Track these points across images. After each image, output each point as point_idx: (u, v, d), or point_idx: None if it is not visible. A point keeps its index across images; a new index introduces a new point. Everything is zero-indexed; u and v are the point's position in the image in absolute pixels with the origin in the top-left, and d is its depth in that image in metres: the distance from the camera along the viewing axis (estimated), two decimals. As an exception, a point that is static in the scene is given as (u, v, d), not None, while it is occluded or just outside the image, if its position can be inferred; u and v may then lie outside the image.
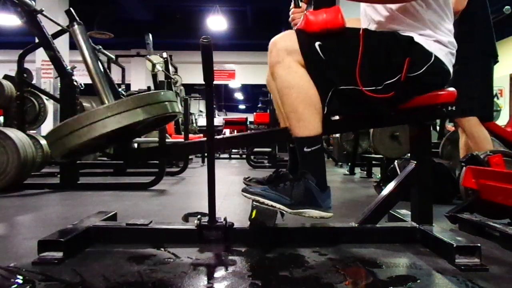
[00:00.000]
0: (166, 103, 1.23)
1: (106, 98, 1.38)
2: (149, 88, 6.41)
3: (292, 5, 1.48)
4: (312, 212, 1.20)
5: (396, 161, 2.77)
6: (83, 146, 1.16)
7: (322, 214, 1.21)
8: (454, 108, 2.25)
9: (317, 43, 1.22)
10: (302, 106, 1.21)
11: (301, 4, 1.45)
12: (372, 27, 1.36)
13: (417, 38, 1.24)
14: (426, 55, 1.24)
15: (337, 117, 1.40)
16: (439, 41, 1.26)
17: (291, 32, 1.26)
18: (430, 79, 1.27)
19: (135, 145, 7.07)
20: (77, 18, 1.52)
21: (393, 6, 1.28)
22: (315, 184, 1.21)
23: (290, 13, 1.49)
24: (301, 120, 1.22)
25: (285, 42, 1.23)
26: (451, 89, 1.35)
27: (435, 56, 1.24)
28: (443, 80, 1.32)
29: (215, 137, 1.33)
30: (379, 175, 3.36)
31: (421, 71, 1.23)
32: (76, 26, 1.45)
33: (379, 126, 1.86)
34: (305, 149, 1.22)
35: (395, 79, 1.22)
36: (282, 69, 1.22)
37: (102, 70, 1.46)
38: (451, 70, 1.30)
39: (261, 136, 1.64)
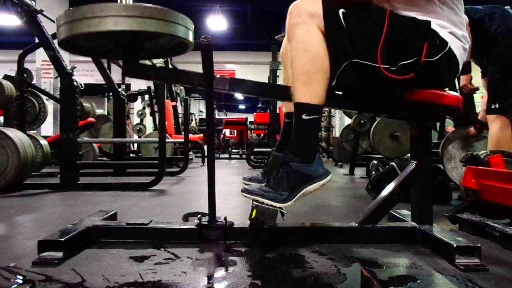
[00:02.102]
0: (182, 27, 1.18)
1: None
2: (149, 88, 6.43)
3: None
4: (310, 188, 1.21)
5: (374, 161, 2.79)
6: (88, 37, 1.13)
7: (320, 183, 1.22)
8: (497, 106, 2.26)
9: (341, 11, 1.21)
10: (313, 71, 1.20)
11: None
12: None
13: (434, 26, 1.25)
14: (442, 43, 1.24)
15: (339, 93, 1.38)
16: (453, 33, 1.27)
17: None
18: (442, 69, 1.27)
19: (135, 145, 7.07)
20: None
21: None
22: (300, 162, 1.21)
23: None
24: (309, 84, 1.21)
25: (308, 5, 1.22)
26: (457, 94, 1.35)
27: (449, 47, 1.25)
28: (452, 73, 1.32)
29: (218, 76, 1.30)
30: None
31: (436, 58, 1.23)
32: None
33: (380, 113, 1.85)
34: (304, 116, 1.21)
35: (411, 61, 1.22)
36: (301, 30, 1.21)
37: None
38: (460, 65, 1.31)
39: (263, 88, 1.54)
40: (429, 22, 1.24)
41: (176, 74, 1.43)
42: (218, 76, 1.30)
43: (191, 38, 1.21)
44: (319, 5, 1.21)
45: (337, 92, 1.33)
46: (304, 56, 1.21)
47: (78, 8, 1.10)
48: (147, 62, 6.10)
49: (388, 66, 1.22)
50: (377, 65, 1.21)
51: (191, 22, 1.21)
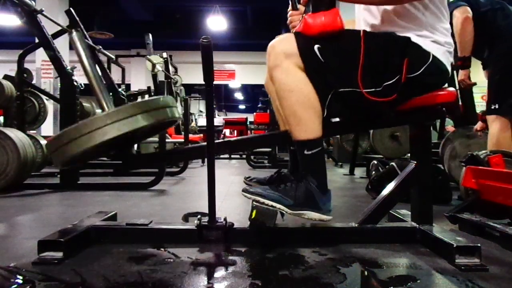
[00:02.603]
0: (166, 109, 1.23)
1: (106, 104, 1.38)
2: (149, 89, 6.42)
3: (290, 7, 1.46)
4: (311, 214, 1.21)
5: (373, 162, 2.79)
6: (83, 153, 1.16)
7: (322, 217, 1.21)
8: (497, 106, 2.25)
9: (316, 46, 1.21)
10: (301, 110, 1.21)
11: (299, 6, 1.44)
12: (367, 30, 1.36)
13: (414, 39, 1.24)
14: (424, 55, 1.24)
15: (337, 119, 1.40)
16: (436, 41, 1.26)
17: (289, 35, 1.25)
18: (429, 79, 1.27)
19: (135, 145, 7.07)
20: (77, 19, 1.51)
21: (389, 8, 1.28)
22: (316, 186, 1.21)
23: (288, 15, 1.48)
24: (301, 123, 1.21)
25: (283, 45, 1.23)
26: (451, 89, 1.35)
27: (433, 56, 1.24)
28: (443, 79, 1.32)
29: (215, 141, 1.33)
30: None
31: (420, 71, 1.23)
32: (74, 33, 1.45)
33: (379, 127, 1.87)
34: (306, 152, 1.22)
35: (394, 80, 1.22)
36: (280, 72, 1.22)
37: (101, 74, 1.47)
38: (449, 69, 1.30)
39: (261, 140, 1.62)
40: (408, 38, 1.23)
41: (170, 154, 1.52)
42: (217, 141, 1.35)
43: (177, 114, 1.27)
44: (294, 44, 1.21)
45: (332, 120, 1.35)
46: (290, 97, 1.21)
47: (64, 132, 1.14)
48: (148, 62, 6.09)
49: (373, 89, 1.22)
50: (360, 91, 1.22)
51: (172, 99, 1.27)
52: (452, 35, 1.47)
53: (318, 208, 1.21)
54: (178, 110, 1.29)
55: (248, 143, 1.39)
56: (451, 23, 2.24)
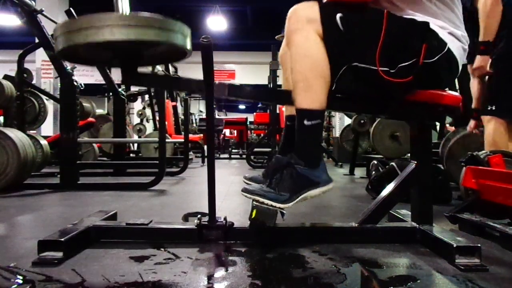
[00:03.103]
0: (180, 35, 1.18)
1: (121, 7, 1.36)
2: (149, 88, 6.41)
3: None
4: (311, 192, 1.21)
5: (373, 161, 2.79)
6: (86, 48, 1.14)
7: (322, 189, 1.22)
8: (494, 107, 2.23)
9: (338, 15, 1.21)
10: (313, 77, 1.20)
11: None
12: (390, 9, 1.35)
13: (433, 26, 1.24)
14: (441, 44, 1.24)
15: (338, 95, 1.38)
16: (452, 33, 1.27)
17: (312, 2, 1.24)
18: (441, 70, 1.26)
19: (135, 145, 7.07)
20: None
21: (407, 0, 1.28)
22: (305, 165, 1.21)
23: None
24: (309, 90, 1.21)
25: (306, 10, 1.22)
26: (457, 94, 1.35)
27: (448, 47, 1.25)
28: (453, 73, 1.32)
29: (220, 82, 1.30)
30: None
31: (435, 58, 1.23)
32: None
33: (380, 114, 1.86)
34: (306, 122, 1.21)
35: (410, 62, 1.22)
36: (300, 36, 1.22)
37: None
38: (460, 66, 1.30)
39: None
40: (427, 23, 1.24)
41: (175, 81, 1.43)
42: (217, 82, 1.30)
43: (188, 46, 1.21)
44: (317, 10, 1.21)
45: (337, 95, 1.33)
46: (304, 62, 1.21)
47: (76, 20, 1.11)
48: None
49: (388, 69, 1.22)
50: (376, 68, 1.21)
51: (188, 29, 1.21)
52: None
53: (315, 184, 1.21)
54: (189, 43, 1.24)
55: (249, 92, 1.36)
56: (472, 11, 2.21)
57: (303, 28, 1.21)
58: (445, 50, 1.24)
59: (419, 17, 1.27)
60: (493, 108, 2.25)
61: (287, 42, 1.28)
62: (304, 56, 1.21)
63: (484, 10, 2.14)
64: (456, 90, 2.85)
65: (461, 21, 1.31)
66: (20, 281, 0.97)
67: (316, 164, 1.23)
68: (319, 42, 1.21)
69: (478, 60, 2.31)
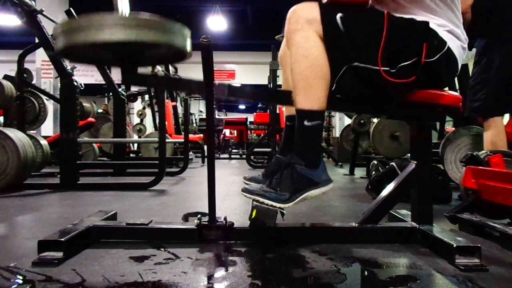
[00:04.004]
0: (180, 36, 1.18)
1: (121, 8, 1.36)
2: (149, 88, 6.42)
3: None
4: (311, 193, 1.21)
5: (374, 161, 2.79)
6: (86, 48, 1.14)
7: (322, 190, 1.22)
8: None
9: (338, 15, 1.21)
10: (313, 77, 1.20)
11: None
12: (391, 7, 1.35)
13: (432, 25, 1.25)
14: (441, 43, 1.24)
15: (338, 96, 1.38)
16: (451, 31, 1.27)
17: (312, 3, 1.24)
18: (441, 69, 1.27)
19: (135, 145, 7.07)
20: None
21: None
22: (305, 166, 1.21)
23: None
24: (309, 91, 1.21)
25: (306, 10, 1.22)
26: (456, 94, 1.35)
27: (448, 46, 1.25)
28: (452, 72, 1.32)
29: (220, 82, 1.30)
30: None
31: (435, 58, 1.23)
32: None
33: (380, 114, 1.86)
34: (306, 123, 1.21)
35: (410, 62, 1.22)
36: (300, 36, 1.21)
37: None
38: (459, 65, 1.31)
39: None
40: (427, 23, 1.24)
41: (175, 82, 1.43)
42: (217, 82, 1.30)
43: (188, 47, 1.21)
44: (317, 11, 1.21)
45: (337, 96, 1.33)
46: (304, 62, 1.21)
47: (76, 19, 1.11)
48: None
49: (388, 69, 1.22)
50: (377, 68, 1.21)
51: (188, 31, 1.21)
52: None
53: (315, 184, 1.21)
54: (189, 45, 1.24)
55: (249, 93, 1.37)
56: None
57: (303, 29, 1.21)
58: (445, 49, 1.24)
59: (420, 15, 1.27)
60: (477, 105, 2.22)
61: (287, 42, 1.28)
62: (304, 57, 1.21)
63: None
64: (456, 90, 2.85)
65: (460, 20, 1.31)
66: (20, 281, 0.97)
67: (316, 165, 1.23)
68: (319, 42, 1.21)
69: None
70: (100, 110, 7.53)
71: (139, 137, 6.74)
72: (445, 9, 1.27)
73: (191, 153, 6.18)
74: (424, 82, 1.28)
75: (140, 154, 6.03)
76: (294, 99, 1.24)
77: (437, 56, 1.23)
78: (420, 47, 1.21)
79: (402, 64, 1.22)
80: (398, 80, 1.23)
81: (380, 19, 1.22)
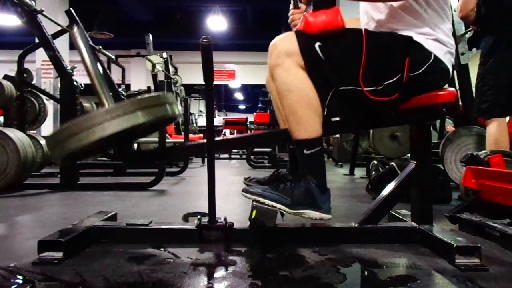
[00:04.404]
0: (166, 105, 1.22)
1: (106, 100, 1.38)
2: (149, 89, 6.43)
3: (291, 6, 1.47)
4: (312, 213, 1.21)
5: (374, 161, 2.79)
6: (82, 149, 1.16)
7: (322, 215, 1.22)
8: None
9: (317, 44, 1.21)
10: (302, 109, 1.21)
11: (300, 5, 1.44)
12: (372, 25, 1.36)
13: (416, 37, 1.24)
14: (425, 54, 1.24)
15: (337, 118, 1.40)
16: (438, 39, 1.26)
17: (290, 34, 1.25)
18: (430, 78, 1.26)
19: (135, 145, 7.07)
20: (77, 19, 1.52)
21: (395, 4, 1.28)
22: (315, 186, 1.21)
23: (290, 14, 1.49)
24: (301, 122, 1.22)
25: (285, 44, 1.23)
26: (451, 89, 1.35)
27: (434, 55, 1.24)
28: (443, 79, 1.32)
29: (215, 139, 1.33)
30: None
31: (421, 70, 1.23)
32: (75, 29, 1.45)
33: (379, 126, 1.87)
34: (305, 151, 1.22)
35: (395, 79, 1.22)
36: (282, 71, 1.22)
37: (102, 71, 1.45)
38: (450, 69, 1.31)
39: (261, 138, 1.64)
40: (410, 38, 1.24)
41: (170, 151, 1.51)
42: (217, 139, 1.35)
43: (177, 111, 1.26)
44: (295, 43, 1.21)
45: (333, 119, 1.35)
46: (289, 97, 1.21)
47: (64, 127, 1.14)
48: (148, 62, 6.08)
49: (374, 88, 1.22)
50: (361, 89, 1.22)
51: (172, 96, 1.26)
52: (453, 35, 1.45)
53: (318, 207, 1.21)
54: (178, 107, 1.28)
55: (248, 141, 1.39)
56: None
57: (283, 63, 1.21)
58: (431, 59, 1.24)
59: (407, 24, 1.26)
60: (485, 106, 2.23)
61: (271, 76, 1.29)
62: (289, 91, 1.21)
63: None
64: (456, 90, 2.85)
65: (449, 28, 1.30)
66: (20, 281, 0.97)
67: (324, 190, 1.24)
68: (302, 73, 1.21)
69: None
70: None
71: (140, 138, 6.73)
72: (433, 16, 1.26)
73: (191, 153, 6.17)
74: (415, 92, 1.28)
75: (140, 154, 6.02)
76: (290, 130, 1.25)
77: (424, 67, 1.23)
78: (403, 62, 1.21)
79: (388, 82, 1.22)
80: (382, 98, 1.23)
81: (359, 38, 1.22)
